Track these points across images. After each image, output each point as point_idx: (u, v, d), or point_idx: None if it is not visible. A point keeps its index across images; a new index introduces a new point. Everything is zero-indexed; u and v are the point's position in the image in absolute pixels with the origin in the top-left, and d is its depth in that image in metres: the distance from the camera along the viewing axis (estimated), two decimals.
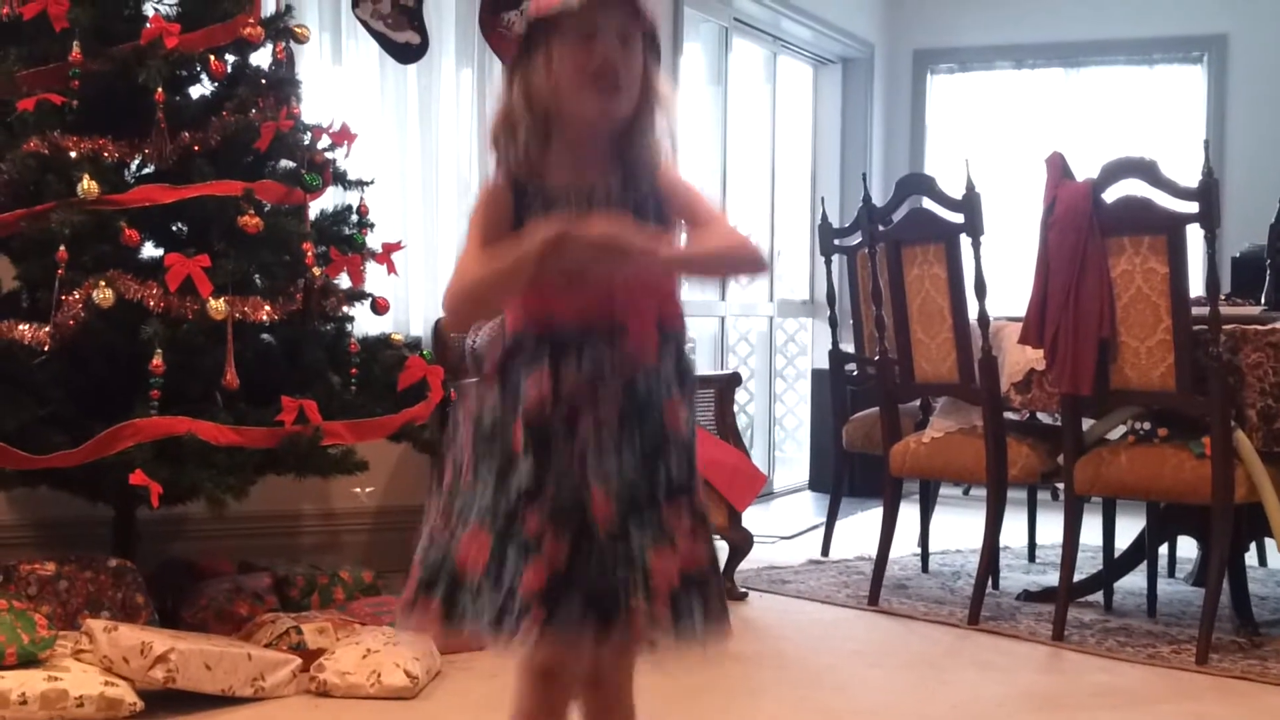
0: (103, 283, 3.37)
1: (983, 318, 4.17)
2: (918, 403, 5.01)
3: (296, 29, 4.02)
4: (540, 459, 1.83)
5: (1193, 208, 3.64)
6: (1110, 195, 3.79)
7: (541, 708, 1.98)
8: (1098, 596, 4.48)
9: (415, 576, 1.91)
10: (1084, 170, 3.90)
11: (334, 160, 3.98)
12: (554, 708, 1.99)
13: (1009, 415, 4.40)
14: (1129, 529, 4.58)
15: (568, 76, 1.85)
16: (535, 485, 1.83)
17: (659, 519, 1.83)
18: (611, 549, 1.81)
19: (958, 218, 4.20)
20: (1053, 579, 4.50)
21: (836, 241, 5.83)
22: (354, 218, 4.03)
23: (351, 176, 4.05)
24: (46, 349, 3.38)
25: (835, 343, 5.80)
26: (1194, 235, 3.68)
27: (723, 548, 4.29)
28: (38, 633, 3.08)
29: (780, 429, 8.18)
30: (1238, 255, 6.25)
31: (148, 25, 3.69)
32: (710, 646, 1.85)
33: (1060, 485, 4.26)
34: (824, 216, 5.89)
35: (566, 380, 1.85)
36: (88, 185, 3.45)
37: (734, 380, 5.82)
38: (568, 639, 1.80)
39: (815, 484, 7.77)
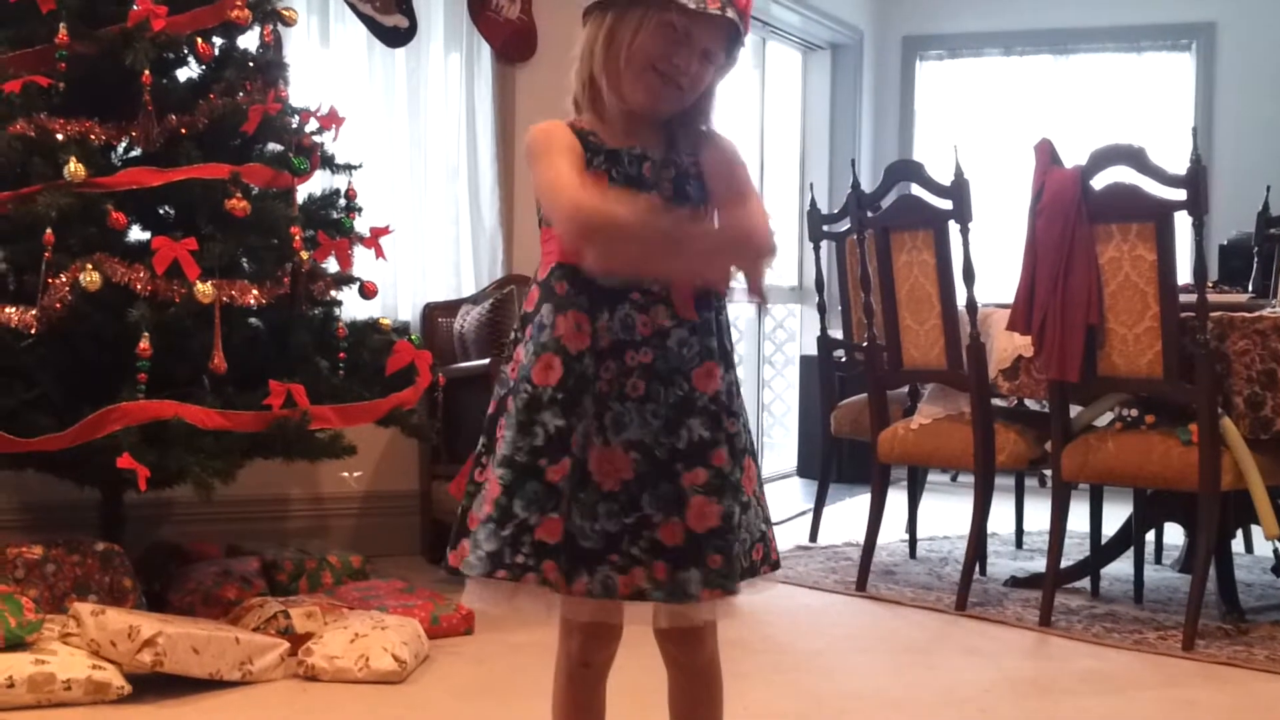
0: (89, 265, 3.36)
1: (971, 304, 4.17)
2: (906, 389, 5.02)
3: (284, 11, 4.01)
4: (569, 407, 1.83)
5: (1181, 195, 3.64)
6: (1098, 182, 3.79)
7: (577, 673, 2.01)
8: (1085, 583, 4.48)
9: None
10: (1072, 157, 3.90)
11: (322, 144, 3.98)
12: (587, 677, 2.01)
13: (997, 402, 4.40)
14: (1116, 515, 4.60)
15: (639, 58, 1.86)
16: (564, 432, 1.83)
17: (674, 489, 1.84)
18: (606, 507, 1.83)
19: (946, 204, 4.20)
20: (1040, 565, 4.51)
21: (825, 228, 5.83)
22: (342, 201, 4.03)
23: (339, 160, 4.04)
24: (33, 332, 3.37)
25: (824, 329, 5.80)
26: (1182, 222, 3.68)
27: None
28: (25, 616, 3.08)
29: (769, 415, 8.19)
30: (1225, 243, 6.27)
31: (135, 7, 3.67)
32: (708, 608, 1.86)
33: (1048, 472, 4.27)
34: (813, 202, 5.89)
35: (600, 332, 1.86)
36: (74, 168, 3.44)
37: None
38: (564, 594, 1.83)
39: (803, 470, 7.79)
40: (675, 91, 1.89)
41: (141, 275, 3.44)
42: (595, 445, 1.84)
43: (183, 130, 3.70)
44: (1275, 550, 4.75)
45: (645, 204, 1.83)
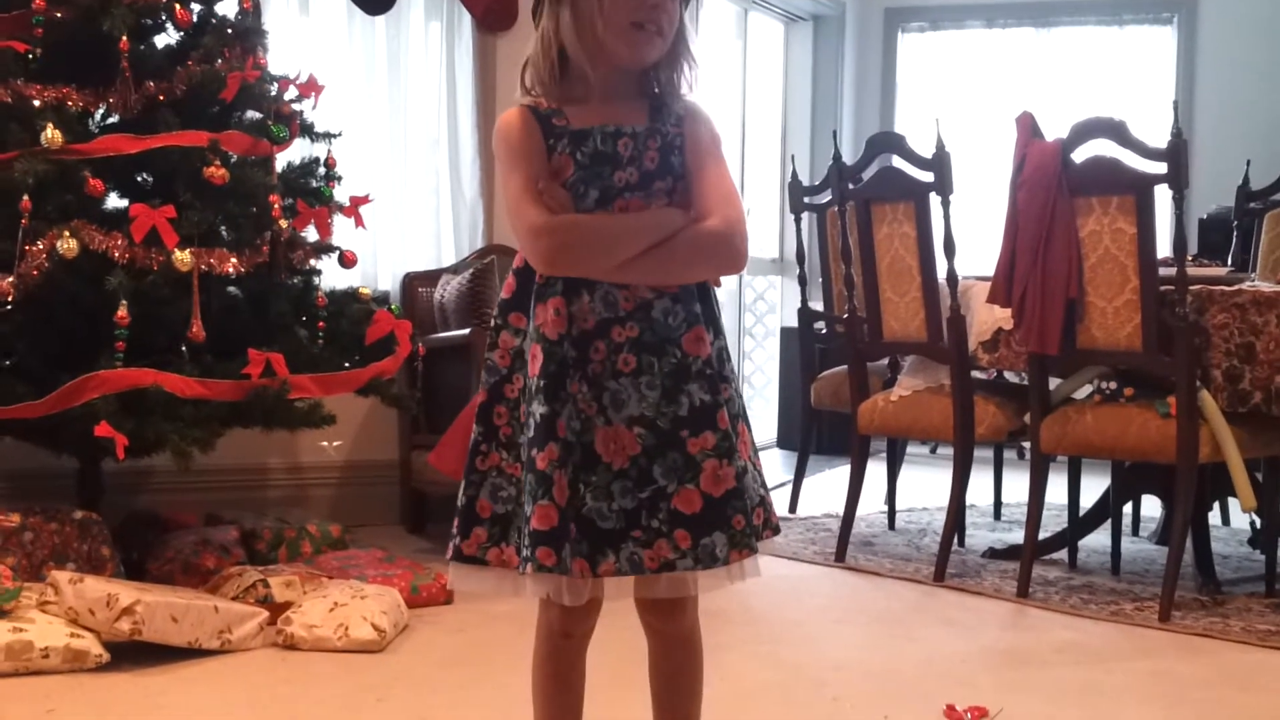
0: (67, 233, 3.34)
1: (951, 277, 4.17)
2: (886, 361, 5.03)
3: None
4: (552, 392, 1.83)
5: (1161, 168, 3.64)
6: (1079, 155, 3.79)
7: (558, 645, 2.01)
8: (1062, 554, 4.50)
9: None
10: (1053, 130, 3.90)
11: (301, 112, 3.95)
12: (567, 649, 2.02)
13: (976, 374, 4.41)
14: (1094, 488, 4.61)
15: (616, 19, 1.86)
16: (549, 419, 1.82)
17: (684, 457, 1.84)
18: (620, 484, 1.83)
19: (927, 176, 4.19)
20: (1018, 537, 4.53)
21: (806, 199, 5.83)
22: (321, 170, 4.01)
23: (319, 128, 4.02)
24: (10, 299, 3.35)
25: (804, 301, 5.80)
26: (1162, 196, 3.68)
27: None
28: (2, 584, 3.07)
29: (749, 386, 8.20)
30: (1205, 216, 6.29)
31: None
32: (736, 571, 1.87)
33: (1026, 444, 4.28)
34: (794, 174, 5.88)
35: (580, 314, 1.85)
36: (52, 134, 3.42)
37: None
38: (569, 576, 1.82)
39: (783, 441, 7.80)
40: (658, 38, 1.90)
41: (119, 243, 3.42)
42: (599, 426, 1.84)
43: (161, 97, 3.67)
44: (1252, 523, 4.77)
45: (607, 220, 1.85)
